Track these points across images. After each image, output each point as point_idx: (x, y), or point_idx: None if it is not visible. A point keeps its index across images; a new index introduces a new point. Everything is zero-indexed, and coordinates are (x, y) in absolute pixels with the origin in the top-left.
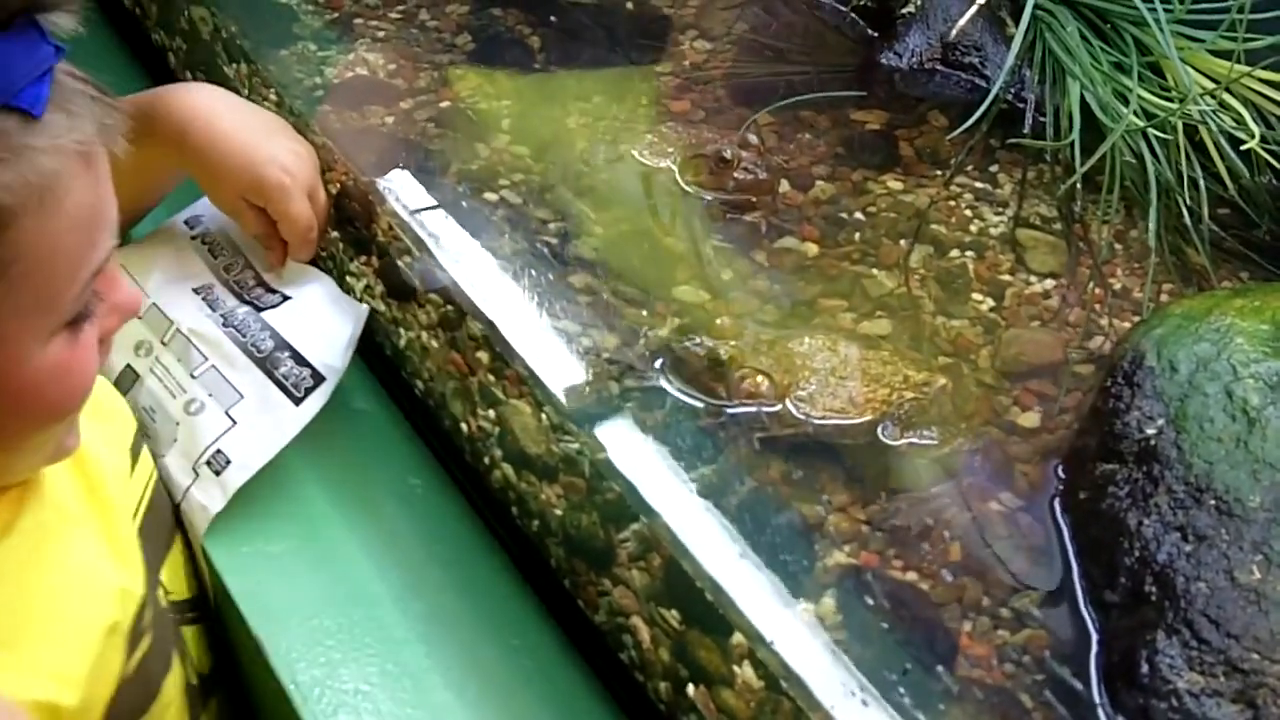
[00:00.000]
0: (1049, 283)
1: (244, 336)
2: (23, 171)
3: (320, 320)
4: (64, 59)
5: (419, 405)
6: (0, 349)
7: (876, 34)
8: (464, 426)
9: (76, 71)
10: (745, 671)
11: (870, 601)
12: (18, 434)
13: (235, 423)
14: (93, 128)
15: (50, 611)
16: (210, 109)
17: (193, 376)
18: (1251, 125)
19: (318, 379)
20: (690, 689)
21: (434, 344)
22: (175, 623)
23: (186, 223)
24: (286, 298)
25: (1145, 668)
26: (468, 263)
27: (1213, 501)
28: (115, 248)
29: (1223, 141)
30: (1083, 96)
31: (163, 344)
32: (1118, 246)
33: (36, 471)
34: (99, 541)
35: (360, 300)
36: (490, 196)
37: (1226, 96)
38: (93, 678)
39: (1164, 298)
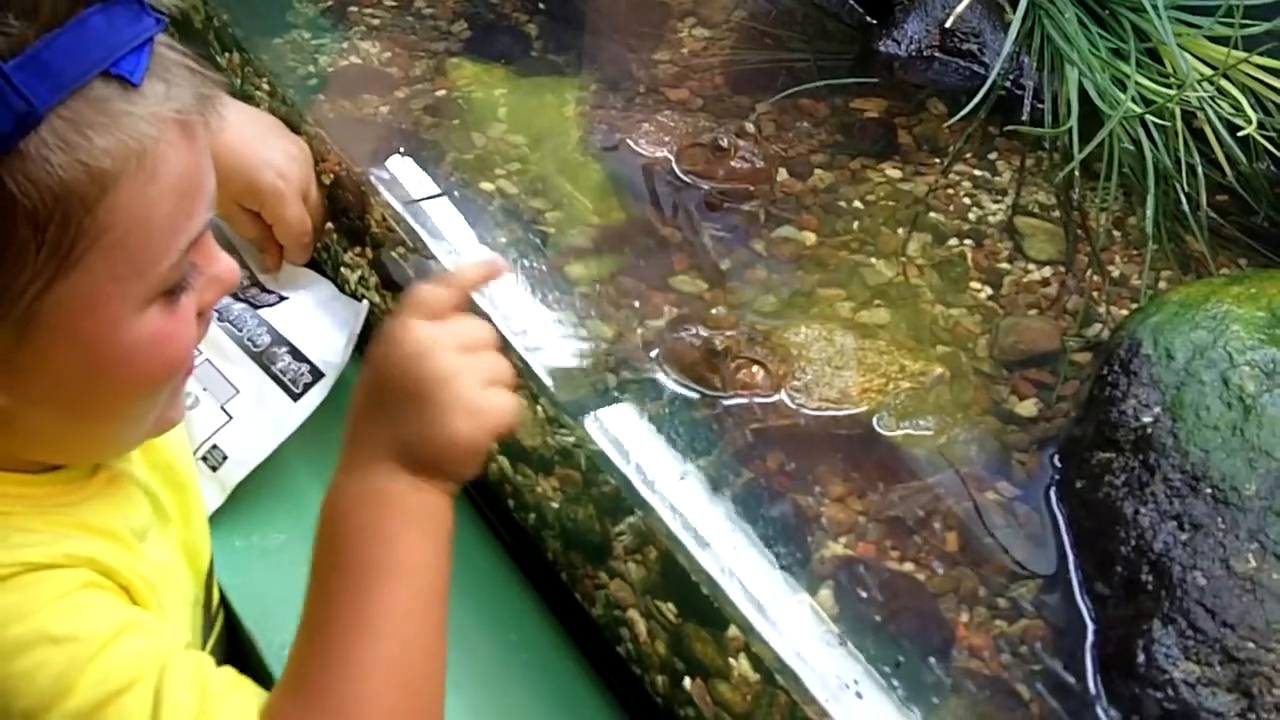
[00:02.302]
0: (1047, 270)
1: (239, 331)
2: (121, 137)
3: (319, 317)
4: (162, 31)
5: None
6: (97, 313)
7: (875, 21)
8: None
9: (176, 44)
10: (741, 664)
11: (866, 593)
12: (117, 403)
13: (231, 417)
14: (191, 98)
15: (163, 583)
16: None
17: None
18: (1249, 112)
19: (316, 375)
20: (687, 682)
21: None
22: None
23: None
24: (283, 298)
25: (1141, 657)
26: (463, 253)
27: (1209, 490)
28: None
29: (1220, 128)
30: (1081, 83)
31: None
32: (1116, 233)
33: (136, 446)
34: (174, 525)
35: (355, 291)
36: (486, 186)
37: (1224, 83)
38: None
39: (1163, 285)
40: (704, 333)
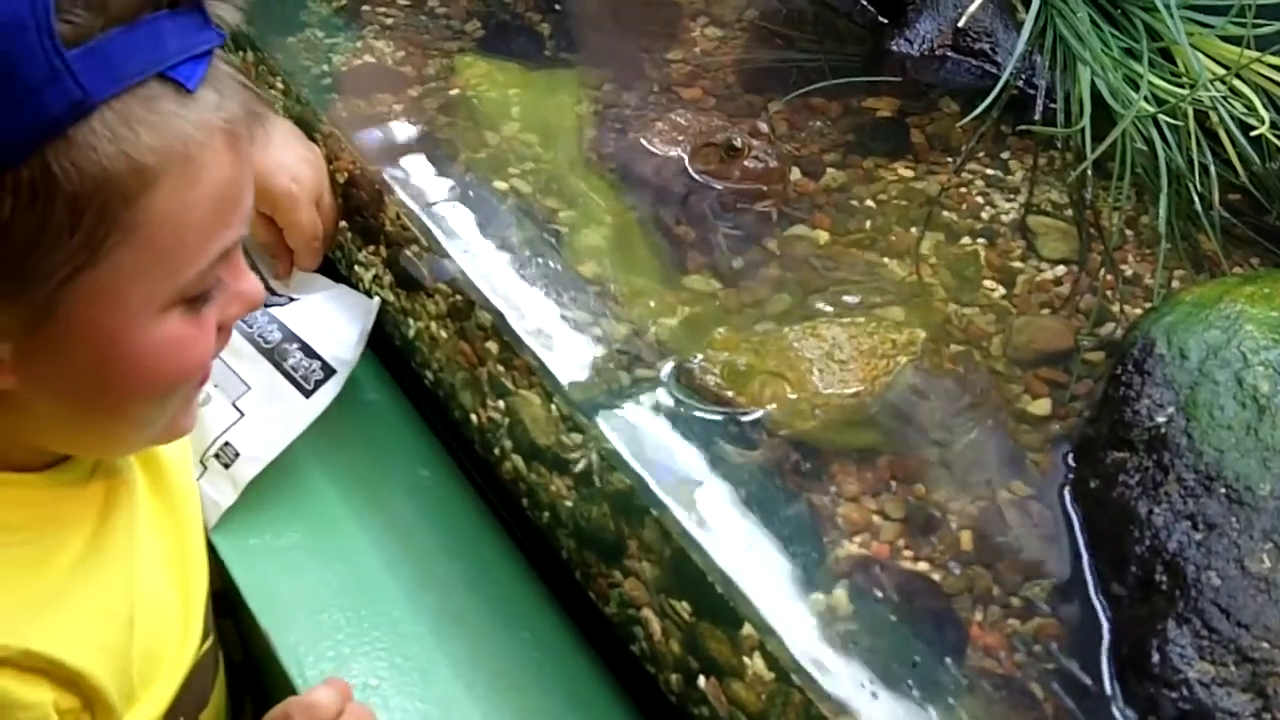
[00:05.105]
0: (1060, 269)
1: (250, 328)
2: (169, 137)
3: (330, 314)
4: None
5: (428, 396)
6: (117, 308)
7: (887, 21)
8: (474, 417)
9: (234, 61)
10: (756, 663)
11: (881, 592)
12: (127, 403)
13: (243, 414)
14: (241, 111)
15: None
16: None
17: None
18: (1262, 111)
19: (328, 371)
20: (701, 680)
21: (443, 334)
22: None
23: None
24: (293, 299)
25: (1156, 657)
26: (476, 252)
27: (1223, 490)
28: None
29: (1233, 127)
30: (1093, 82)
31: None
32: (1129, 233)
33: (141, 450)
34: (170, 547)
35: (369, 290)
36: (500, 185)
37: (1237, 82)
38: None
39: (1175, 284)
40: (719, 357)
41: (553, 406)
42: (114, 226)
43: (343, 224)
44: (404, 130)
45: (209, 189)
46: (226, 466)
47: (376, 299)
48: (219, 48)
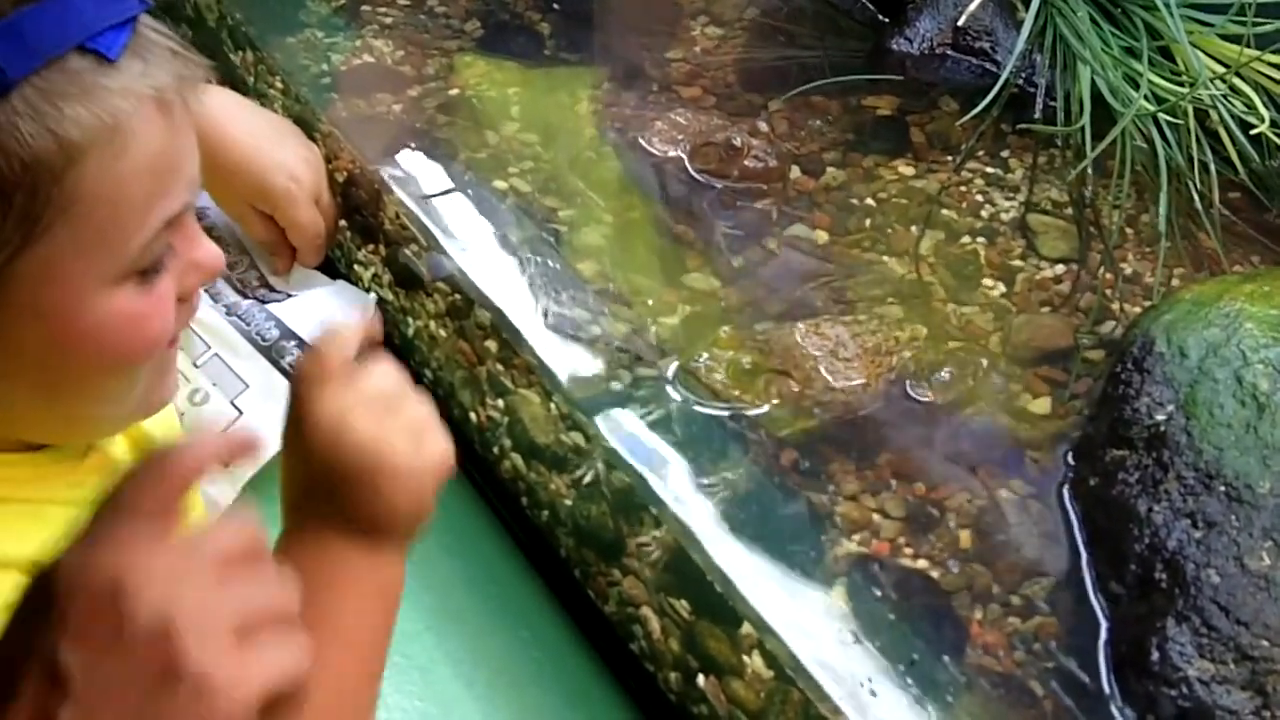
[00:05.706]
0: (1060, 268)
1: (248, 325)
2: (93, 109)
3: (326, 311)
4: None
5: (427, 394)
6: (63, 287)
7: (887, 19)
8: (473, 416)
9: (163, 28)
10: (755, 662)
11: (880, 590)
12: (88, 381)
13: (241, 412)
14: (169, 77)
15: None
16: (219, 114)
17: (195, 365)
18: (1262, 109)
19: None
20: (700, 679)
21: (442, 333)
22: None
23: None
24: (290, 296)
25: (1155, 655)
26: (476, 251)
27: (1222, 488)
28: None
29: (1233, 126)
30: (1093, 81)
31: None
32: (1129, 231)
33: (124, 429)
34: None
35: (368, 289)
36: (499, 184)
37: (1237, 81)
38: None
39: (1175, 282)
40: (724, 356)
41: (552, 405)
42: (47, 205)
43: (342, 223)
44: (403, 129)
45: (142, 159)
46: (225, 465)
47: (372, 294)
48: (147, 13)
